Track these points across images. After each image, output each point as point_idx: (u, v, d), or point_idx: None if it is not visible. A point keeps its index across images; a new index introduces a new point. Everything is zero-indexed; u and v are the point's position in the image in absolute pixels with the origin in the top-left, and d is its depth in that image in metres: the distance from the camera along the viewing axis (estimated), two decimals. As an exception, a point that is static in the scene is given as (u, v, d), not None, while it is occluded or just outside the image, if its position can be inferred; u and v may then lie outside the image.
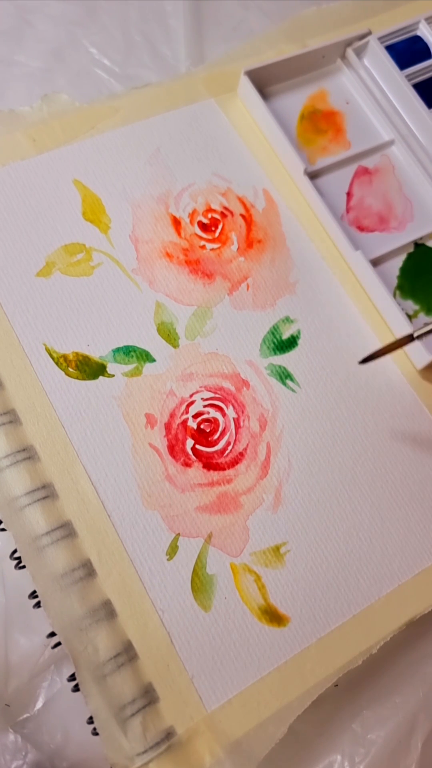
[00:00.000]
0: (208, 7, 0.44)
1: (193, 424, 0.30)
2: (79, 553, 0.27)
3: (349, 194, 0.37)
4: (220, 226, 0.35)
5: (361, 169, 0.38)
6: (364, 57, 0.40)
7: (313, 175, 0.36)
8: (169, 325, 0.32)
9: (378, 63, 0.39)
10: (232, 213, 0.35)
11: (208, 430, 0.30)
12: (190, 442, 0.30)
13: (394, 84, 0.39)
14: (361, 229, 0.36)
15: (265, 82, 0.38)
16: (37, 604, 0.26)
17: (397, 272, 0.35)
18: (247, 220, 0.35)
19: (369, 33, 0.39)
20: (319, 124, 0.38)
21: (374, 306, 0.34)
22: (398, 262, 0.36)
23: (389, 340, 0.33)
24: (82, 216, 0.34)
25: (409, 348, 0.32)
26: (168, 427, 0.30)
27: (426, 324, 0.30)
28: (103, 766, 0.27)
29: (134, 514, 0.28)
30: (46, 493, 0.28)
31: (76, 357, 0.31)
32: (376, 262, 0.35)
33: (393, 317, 0.33)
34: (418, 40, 0.41)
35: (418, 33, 0.41)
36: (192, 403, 0.31)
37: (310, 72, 0.39)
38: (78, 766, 0.27)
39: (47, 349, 0.31)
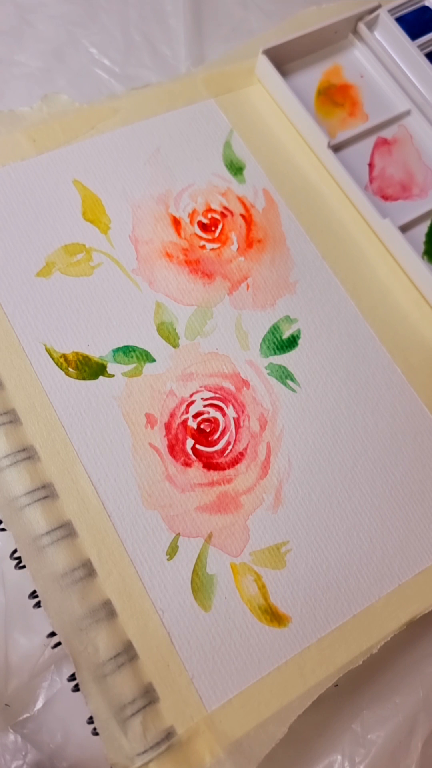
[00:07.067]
0: (208, 7, 0.44)
1: (193, 423, 0.30)
2: (79, 553, 0.27)
3: (371, 165, 0.38)
4: (220, 226, 0.35)
5: (380, 140, 0.39)
6: (375, 30, 0.41)
7: (335, 149, 0.37)
8: (169, 325, 0.32)
9: (389, 35, 0.40)
10: (232, 213, 0.35)
11: (208, 430, 0.30)
12: (190, 442, 0.30)
13: (407, 55, 0.40)
14: (385, 198, 0.37)
15: (281, 60, 0.39)
16: (37, 604, 0.26)
17: (423, 238, 0.36)
18: (247, 220, 0.35)
19: (379, 6, 0.40)
20: (336, 98, 0.39)
21: (404, 272, 0.35)
22: (423, 228, 0.37)
23: (421, 305, 0.35)
24: (82, 216, 0.34)
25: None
26: (168, 426, 0.30)
27: None
28: (103, 766, 0.27)
29: (134, 514, 0.28)
30: (46, 493, 0.28)
31: (76, 357, 0.31)
32: (402, 229, 0.35)
33: (424, 281, 0.34)
34: (427, 11, 0.41)
35: (427, 3, 0.41)
36: (192, 402, 0.31)
37: (324, 48, 0.40)
38: (78, 766, 0.27)
39: (47, 349, 0.31)
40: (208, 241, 0.35)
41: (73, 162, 0.35)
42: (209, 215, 0.35)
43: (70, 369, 0.31)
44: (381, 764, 0.28)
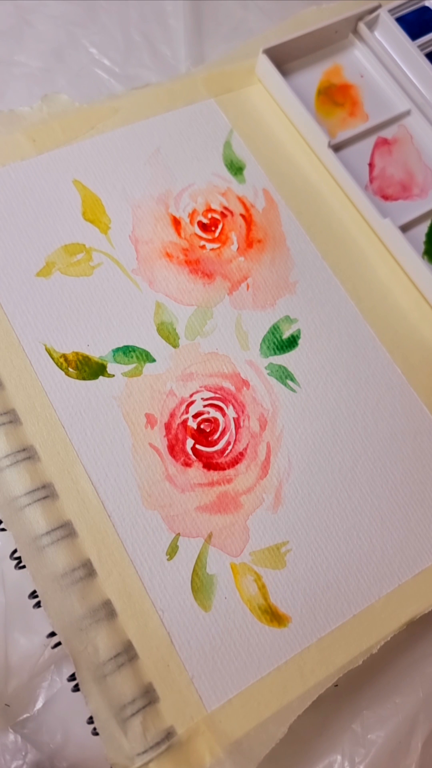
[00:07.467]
0: (208, 7, 0.44)
1: (193, 424, 0.30)
2: (79, 553, 0.27)
3: (371, 165, 0.38)
4: (220, 226, 0.35)
5: (381, 140, 0.39)
6: (376, 30, 0.41)
7: (335, 149, 0.37)
8: (169, 325, 0.32)
9: (389, 35, 0.40)
10: (232, 213, 0.35)
11: (208, 430, 0.30)
12: (190, 442, 0.30)
13: (407, 55, 0.40)
14: (385, 198, 0.37)
15: (281, 60, 0.39)
16: (37, 604, 0.26)
17: (423, 238, 0.36)
18: (247, 220, 0.35)
19: (379, 6, 0.40)
20: (336, 98, 0.39)
21: (404, 272, 0.35)
22: (424, 228, 0.37)
23: (421, 305, 0.35)
24: (82, 216, 0.34)
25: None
26: (168, 427, 0.30)
27: None
28: (103, 766, 0.27)
29: (134, 514, 0.28)
30: (46, 493, 0.28)
31: (76, 357, 0.31)
32: (402, 229, 0.35)
33: (424, 281, 0.34)
34: (427, 11, 0.41)
35: (427, 3, 0.41)
36: (192, 402, 0.31)
37: (324, 48, 0.40)
38: (78, 766, 0.27)
39: (47, 349, 0.31)
40: (208, 241, 0.35)
41: (73, 162, 0.35)
42: (209, 215, 0.35)
43: (70, 369, 0.31)
44: (381, 764, 0.28)
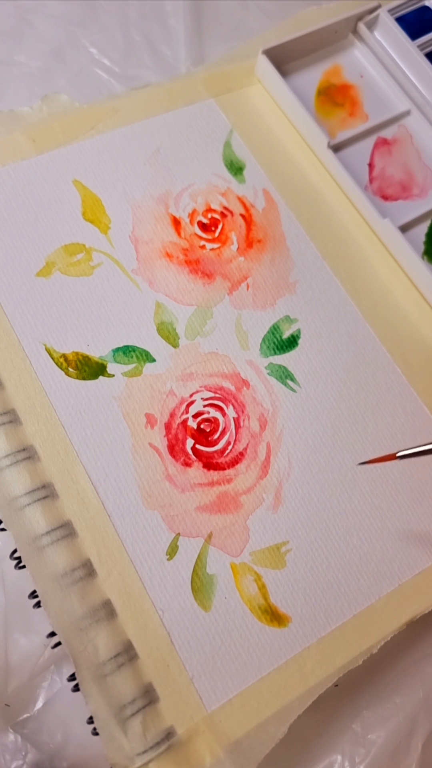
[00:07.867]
0: (208, 7, 0.44)
1: (193, 423, 0.30)
2: (79, 553, 0.27)
3: (370, 165, 0.38)
4: (219, 226, 0.35)
5: (380, 140, 0.39)
6: (375, 30, 0.41)
7: (335, 149, 0.37)
8: (169, 325, 0.32)
9: (389, 35, 0.40)
10: (231, 213, 0.35)
11: (208, 430, 0.30)
12: (190, 442, 0.30)
13: (407, 54, 0.40)
14: (385, 198, 0.37)
15: (281, 60, 0.39)
16: (37, 604, 0.26)
17: (423, 238, 0.36)
18: (247, 219, 0.35)
19: (379, 6, 0.40)
20: (336, 98, 0.39)
21: (404, 272, 0.35)
22: (423, 228, 0.37)
23: (421, 305, 0.35)
24: (82, 216, 0.34)
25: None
26: (168, 426, 0.30)
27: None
28: (103, 766, 0.27)
29: (134, 514, 0.28)
30: (46, 493, 0.28)
31: (76, 357, 0.31)
32: (402, 229, 0.35)
33: (424, 281, 0.34)
34: (427, 11, 0.41)
35: (427, 3, 0.41)
36: (192, 402, 0.31)
37: (324, 48, 0.40)
38: (78, 766, 0.27)
39: (47, 349, 0.31)
40: (208, 241, 0.35)
41: (73, 162, 0.35)
42: (209, 215, 0.35)
43: (70, 369, 0.31)
44: (381, 764, 0.28)
